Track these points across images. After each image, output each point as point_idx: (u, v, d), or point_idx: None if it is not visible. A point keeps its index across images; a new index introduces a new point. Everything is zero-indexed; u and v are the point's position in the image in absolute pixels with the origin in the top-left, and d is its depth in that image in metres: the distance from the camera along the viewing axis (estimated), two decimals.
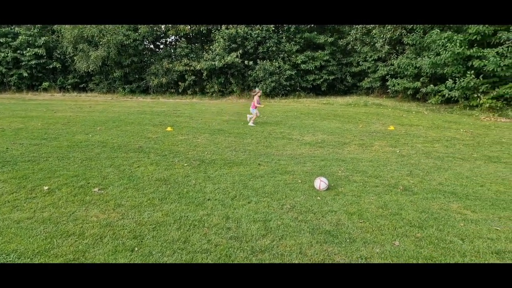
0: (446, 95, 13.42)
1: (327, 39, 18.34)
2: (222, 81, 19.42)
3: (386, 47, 16.06)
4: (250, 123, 9.80)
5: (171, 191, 4.31)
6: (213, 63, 18.24)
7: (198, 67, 18.84)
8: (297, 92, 19.21)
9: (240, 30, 17.95)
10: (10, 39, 21.49)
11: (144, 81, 21.14)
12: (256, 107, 9.79)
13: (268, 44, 18.49)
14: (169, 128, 8.81)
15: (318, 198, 4.22)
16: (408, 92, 15.61)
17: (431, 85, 14.06)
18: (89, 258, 2.80)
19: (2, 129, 8.36)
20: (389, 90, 16.63)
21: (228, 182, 4.73)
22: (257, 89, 10.24)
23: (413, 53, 14.96)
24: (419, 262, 2.83)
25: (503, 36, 11.80)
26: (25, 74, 21.89)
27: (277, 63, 18.26)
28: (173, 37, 21.80)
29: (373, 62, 17.50)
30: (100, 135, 7.79)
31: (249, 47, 18.36)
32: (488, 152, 6.82)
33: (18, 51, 21.58)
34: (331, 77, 18.97)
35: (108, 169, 5.20)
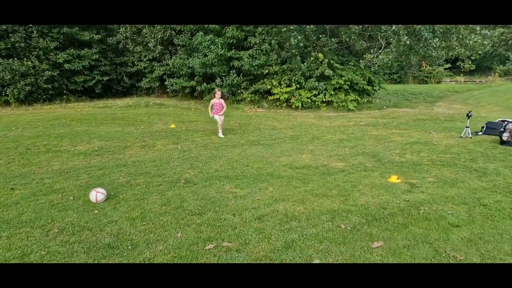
0: None
1: (93, 36, 16.80)
2: None
3: (159, 47, 16.38)
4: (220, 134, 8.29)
5: None
6: None
7: None
8: (64, 96, 16.65)
9: None
10: None
11: None
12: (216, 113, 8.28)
13: (12, 39, 14.95)
14: None
15: (96, 211, 3.77)
16: (186, 91, 16.58)
17: (205, 84, 15.46)
18: None
19: None
20: (168, 90, 17.15)
21: None
22: (216, 89, 8.47)
23: (185, 53, 15.89)
24: (199, 245, 2.96)
25: (252, 41, 14.34)
26: None
27: (30, 62, 15.10)
28: None
29: (148, 62, 17.47)
30: None
31: None
32: (251, 137, 8.13)
33: None
34: (106, 78, 17.57)
35: None
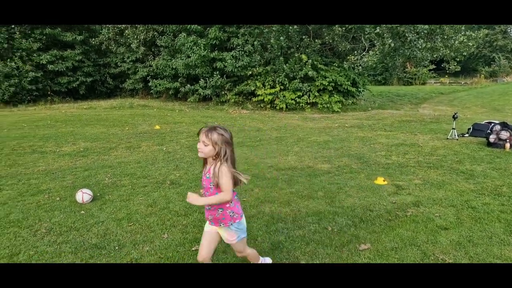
0: (202, 94, 15.13)
1: (75, 37, 16.58)
2: None
3: (142, 48, 16.27)
4: None
5: None
6: None
7: None
8: (49, 97, 16.45)
9: None
10: None
11: None
12: None
13: None
14: None
15: (82, 212, 3.80)
16: (170, 92, 16.53)
17: (188, 85, 15.43)
18: None
19: None
20: (152, 91, 17.05)
21: None
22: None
23: (168, 54, 15.83)
24: (185, 246, 3.05)
25: (235, 42, 14.41)
26: None
27: (13, 63, 14.89)
28: None
29: (131, 63, 17.35)
30: None
31: None
32: (235, 139, 8.15)
33: None
34: (89, 79, 17.37)
35: None
